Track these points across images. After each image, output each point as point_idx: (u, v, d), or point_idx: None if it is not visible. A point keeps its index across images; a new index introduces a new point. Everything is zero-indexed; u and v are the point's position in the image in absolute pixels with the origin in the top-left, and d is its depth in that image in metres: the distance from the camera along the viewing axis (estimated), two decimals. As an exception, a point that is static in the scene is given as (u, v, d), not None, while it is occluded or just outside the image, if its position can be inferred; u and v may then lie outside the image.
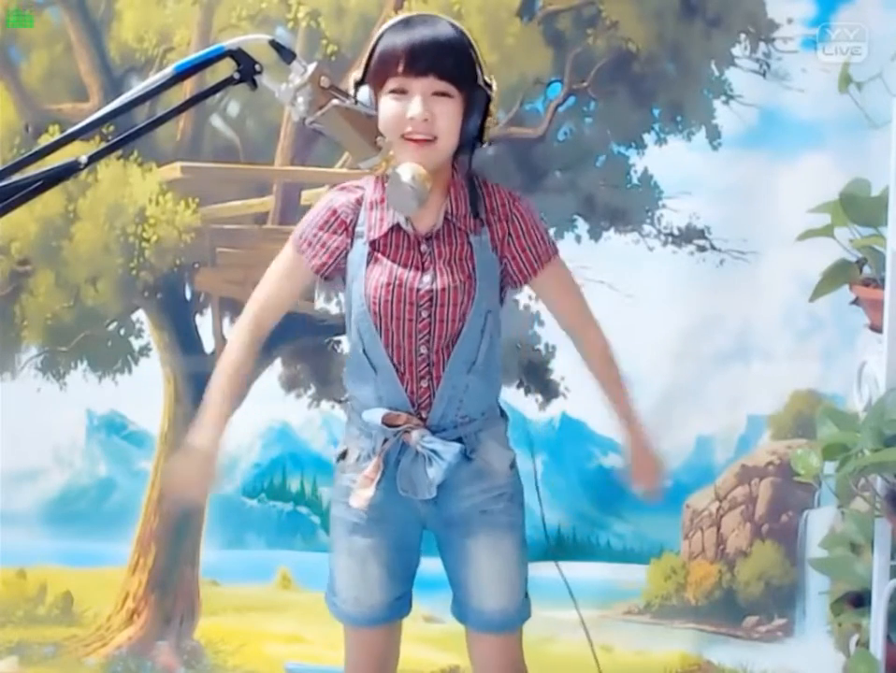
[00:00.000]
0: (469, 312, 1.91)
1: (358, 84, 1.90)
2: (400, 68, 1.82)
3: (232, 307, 3.25)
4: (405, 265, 1.90)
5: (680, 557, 3.13)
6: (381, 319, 1.92)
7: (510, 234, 1.93)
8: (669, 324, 3.02)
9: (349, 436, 2.04)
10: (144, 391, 3.25)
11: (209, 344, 3.26)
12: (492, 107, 1.89)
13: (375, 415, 1.94)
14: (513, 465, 2.04)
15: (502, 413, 2.06)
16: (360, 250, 1.93)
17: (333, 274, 1.97)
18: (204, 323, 3.26)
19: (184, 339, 3.26)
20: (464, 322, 1.91)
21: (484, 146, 1.94)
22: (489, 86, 1.88)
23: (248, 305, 2.03)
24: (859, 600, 2.52)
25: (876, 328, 2.46)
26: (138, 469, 3.29)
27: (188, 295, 3.25)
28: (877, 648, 2.39)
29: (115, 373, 3.28)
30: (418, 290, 1.89)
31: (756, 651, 3.06)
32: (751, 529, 3.11)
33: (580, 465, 3.14)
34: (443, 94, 1.84)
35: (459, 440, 1.95)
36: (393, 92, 1.85)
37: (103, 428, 3.31)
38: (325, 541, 3.25)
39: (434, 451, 1.91)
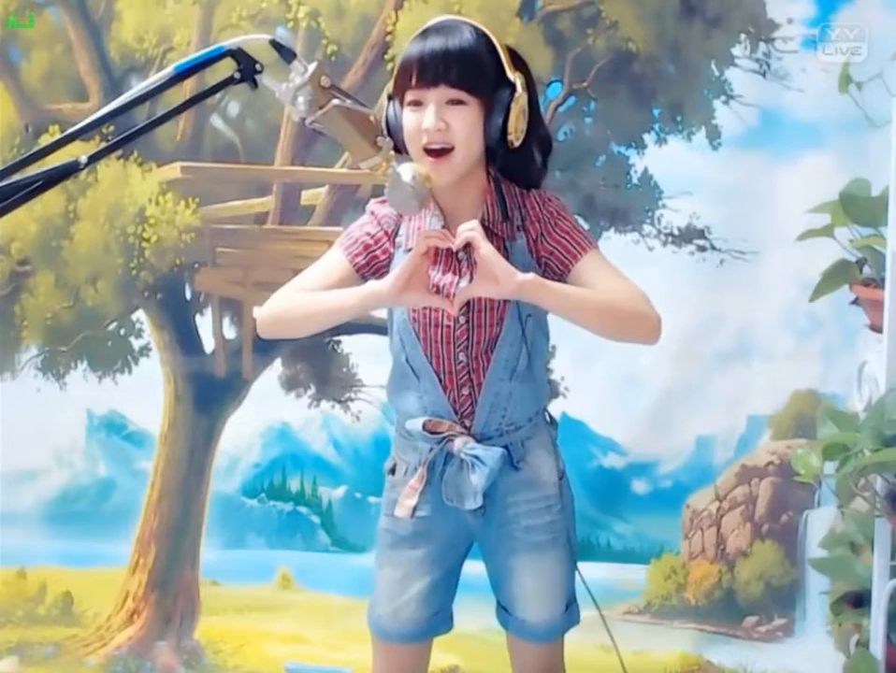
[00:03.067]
0: (507, 317, 1.90)
1: (390, 97, 1.89)
2: (413, 80, 1.81)
3: (232, 307, 3.25)
4: (442, 272, 1.90)
5: (680, 557, 3.13)
6: (420, 325, 1.91)
7: (542, 233, 1.90)
8: (669, 324, 3.00)
9: (396, 450, 2.03)
10: (144, 391, 3.25)
11: (209, 344, 3.26)
12: (517, 106, 1.83)
13: (417, 423, 1.93)
14: (562, 475, 2.01)
15: (551, 419, 2.05)
16: (400, 258, 1.90)
17: (371, 277, 1.93)
18: (204, 323, 3.26)
19: (184, 339, 3.26)
20: (501, 326, 1.90)
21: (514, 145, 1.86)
22: (515, 86, 1.84)
23: (285, 288, 1.92)
24: (859, 600, 2.52)
25: (876, 328, 2.46)
26: (138, 469, 3.30)
27: (188, 295, 3.25)
28: (877, 648, 2.39)
29: (115, 373, 3.28)
30: (455, 295, 1.87)
31: (756, 651, 3.06)
32: (751, 529, 3.10)
33: (580, 465, 3.13)
34: (458, 102, 1.82)
35: (506, 448, 1.94)
36: (410, 104, 1.84)
37: (103, 428, 3.32)
38: (325, 541, 3.29)
39: (476, 457, 1.89)
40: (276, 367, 3.25)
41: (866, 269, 2.54)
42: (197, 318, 3.26)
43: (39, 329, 3.28)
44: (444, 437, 1.92)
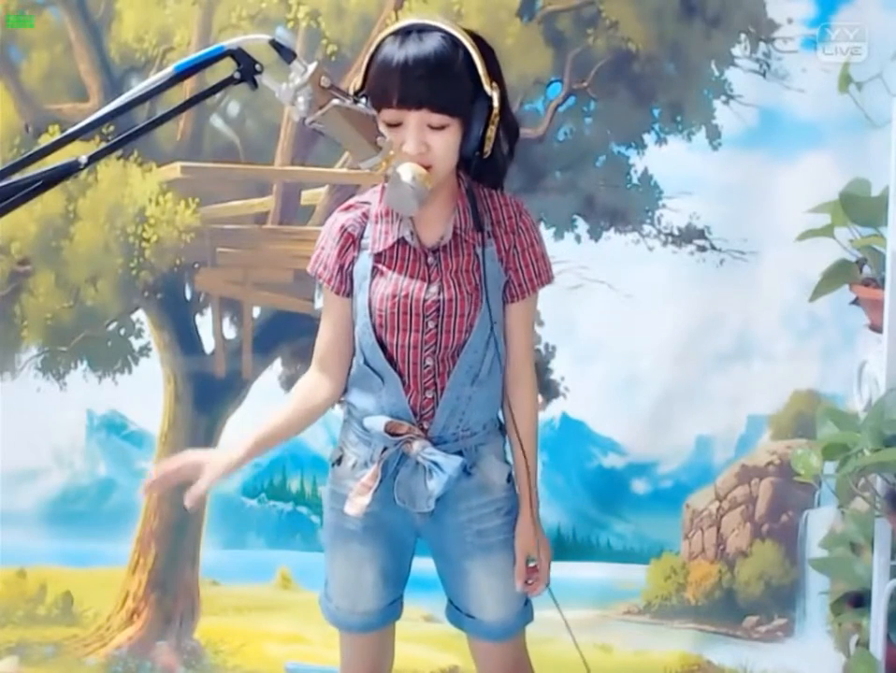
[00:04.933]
0: (476, 323, 1.91)
1: (357, 92, 1.86)
2: (394, 102, 1.81)
3: (232, 307, 3.25)
4: (411, 277, 1.90)
5: (680, 557, 3.13)
6: (386, 331, 1.91)
7: (515, 246, 1.92)
8: (669, 324, 3.02)
9: (346, 443, 2.03)
10: (144, 391, 3.25)
11: (209, 344, 3.26)
12: (493, 119, 1.85)
13: (377, 423, 1.94)
14: (509, 479, 2.03)
15: (501, 426, 2.05)
16: (365, 262, 1.92)
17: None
18: (204, 323, 3.26)
19: (184, 339, 3.26)
20: (470, 333, 1.91)
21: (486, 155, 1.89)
22: (491, 100, 1.84)
23: (308, 373, 2.04)
24: (859, 600, 2.52)
25: (876, 328, 2.46)
26: (138, 469, 3.29)
27: (188, 295, 3.25)
28: (877, 648, 2.38)
29: (115, 373, 3.28)
30: (424, 300, 1.89)
31: (756, 651, 3.06)
32: (751, 529, 3.11)
33: (580, 465, 3.14)
34: (439, 124, 1.82)
35: (459, 453, 1.95)
36: (388, 123, 1.83)
37: (103, 428, 3.31)
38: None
39: (435, 463, 1.90)
40: (276, 367, 3.25)
41: (866, 269, 2.53)
42: (197, 318, 3.26)
43: (39, 329, 3.28)
44: (402, 439, 1.93)
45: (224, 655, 3.21)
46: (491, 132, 1.86)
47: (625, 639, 3.09)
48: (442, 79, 1.80)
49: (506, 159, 1.95)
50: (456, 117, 1.83)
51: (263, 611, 3.24)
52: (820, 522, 3.00)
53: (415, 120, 1.81)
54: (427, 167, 1.82)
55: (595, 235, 3.08)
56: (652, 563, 3.14)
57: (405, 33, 1.82)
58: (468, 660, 3.00)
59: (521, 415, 2.01)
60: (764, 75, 2.98)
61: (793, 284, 2.96)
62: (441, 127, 1.82)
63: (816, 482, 2.66)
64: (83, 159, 1.49)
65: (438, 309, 1.89)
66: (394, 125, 1.83)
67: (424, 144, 1.82)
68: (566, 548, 3.07)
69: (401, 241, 1.91)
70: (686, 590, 3.13)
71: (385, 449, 1.94)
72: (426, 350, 1.91)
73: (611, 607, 3.13)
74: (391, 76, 1.80)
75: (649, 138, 3.06)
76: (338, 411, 3.19)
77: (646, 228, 3.07)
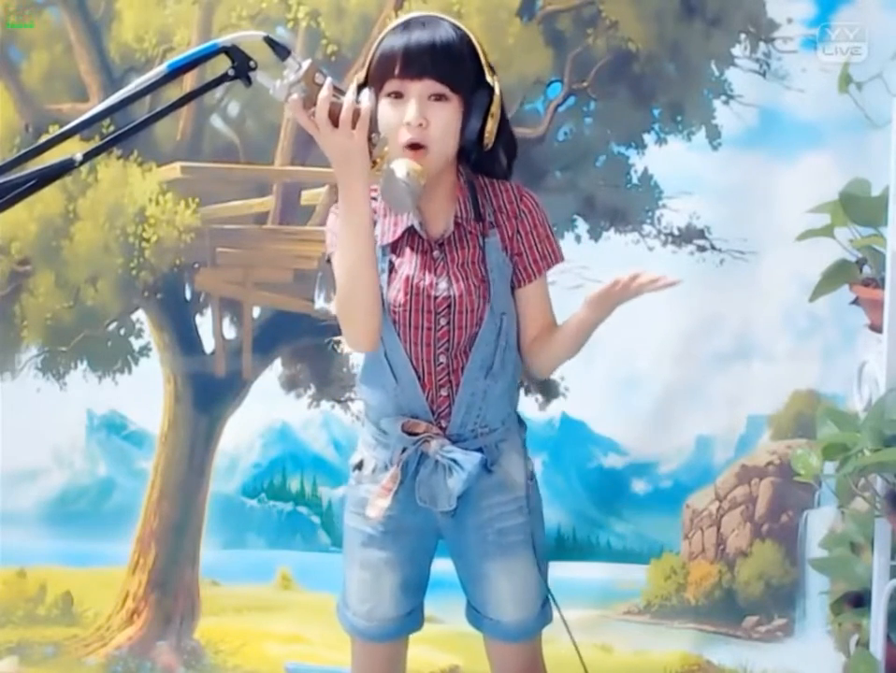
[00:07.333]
0: (485, 316, 1.91)
1: (361, 86, 1.87)
2: (397, 71, 1.82)
3: (232, 307, 3.25)
4: (420, 272, 1.90)
5: (680, 557, 3.13)
6: (399, 327, 1.91)
7: (518, 231, 1.93)
8: (669, 324, 3.02)
9: (365, 446, 2.03)
10: (144, 391, 3.25)
11: (209, 344, 3.26)
12: (493, 110, 1.86)
13: (394, 423, 1.94)
14: (531, 476, 2.02)
15: (521, 422, 2.05)
16: (378, 254, 1.91)
17: None
18: (204, 323, 3.26)
19: (184, 339, 3.26)
20: (480, 326, 1.91)
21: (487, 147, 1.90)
22: (493, 89, 1.86)
23: None
24: (859, 600, 2.51)
25: (876, 328, 2.46)
26: (138, 469, 3.30)
27: (188, 295, 3.25)
28: (877, 648, 2.38)
29: (115, 373, 3.28)
30: (435, 297, 1.89)
31: (756, 651, 3.06)
32: (751, 529, 3.10)
33: (580, 465, 3.13)
34: (440, 97, 1.83)
35: (479, 451, 1.94)
36: (391, 95, 1.84)
37: (103, 428, 3.32)
38: (325, 541, 3.29)
39: (454, 461, 1.89)
40: (276, 367, 3.25)
41: (866, 269, 2.53)
42: (197, 318, 3.26)
43: (39, 329, 3.29)
44: (420, 438, 1.92)
45: (224, 655, 3.21)
46: (493, 123, 1.87)
47: (625, 639, 3.09)
48: (447, 52, 1.82)
49: (505, 173, 1.96)
50: (458, 92, 1.83)
51: (263, 611, 3.24)
52: (820, 522, 3.00)
53: (417, 90, 1.82)
54: (424, 148, 1.82)
55: (595, 235, 3.08)
56: (652, 563, 3.14)
57: (407, 23, 1.84)
58: (468, 660, 3.02)
59: (563, 328, 1.95)
60: (764, 75, 2.98)
61: (793, 284, 2.95)
62: (443, 98, 1.82)
63: (816, 482, 2.66)
64: (78, 157, 1.49)
65: (449, 306, 1.89)
66: (396, 95, 1.83)
67: (423, 117, 1.82)
68: (566, 548, 3.07)
69: (410, 231, 1.91)
70: (686, 590, 3.12)
71: (404, 450, 1.94)
72: (439, 348, 1.91)
73: (611, 607, 3.12)
74: (394, 52, 1.82)
75: (649, 138, 3.06)
76: (339, 412, 3.22)
77: (646, 228, 3.07)
